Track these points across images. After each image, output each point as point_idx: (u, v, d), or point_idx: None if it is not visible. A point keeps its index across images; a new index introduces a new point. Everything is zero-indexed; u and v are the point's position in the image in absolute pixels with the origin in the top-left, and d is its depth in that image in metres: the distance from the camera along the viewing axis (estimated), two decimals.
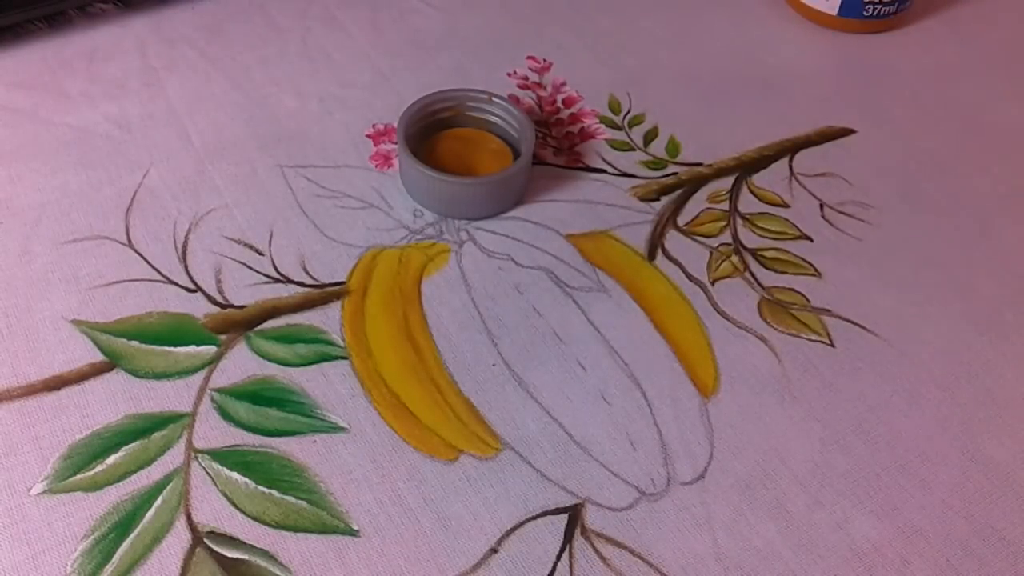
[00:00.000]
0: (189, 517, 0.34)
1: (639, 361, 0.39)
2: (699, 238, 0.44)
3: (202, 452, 0.36)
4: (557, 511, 0.35)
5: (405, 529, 0.34)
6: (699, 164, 0.48)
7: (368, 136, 0.48)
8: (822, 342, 0.41)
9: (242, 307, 0.40)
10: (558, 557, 0.34)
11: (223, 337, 0.39)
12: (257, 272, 0.42)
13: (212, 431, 0.36)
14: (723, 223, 0.45)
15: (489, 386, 0.38)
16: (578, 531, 0.34)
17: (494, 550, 0.34)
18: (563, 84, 0.51)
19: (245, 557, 0.33)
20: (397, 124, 0.45)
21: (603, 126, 0.49)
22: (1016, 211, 0.47)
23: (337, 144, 0.47)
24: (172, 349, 0.39)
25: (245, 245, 0.43)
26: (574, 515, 0.35)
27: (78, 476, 0.35)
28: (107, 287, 0.40)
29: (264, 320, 0.40)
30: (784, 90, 0.52)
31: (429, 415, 0.37)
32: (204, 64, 0.51)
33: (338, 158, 0.47)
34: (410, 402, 0.38)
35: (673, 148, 0.48)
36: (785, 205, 0.46)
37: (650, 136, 0.49)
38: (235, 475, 0.35)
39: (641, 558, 0.34)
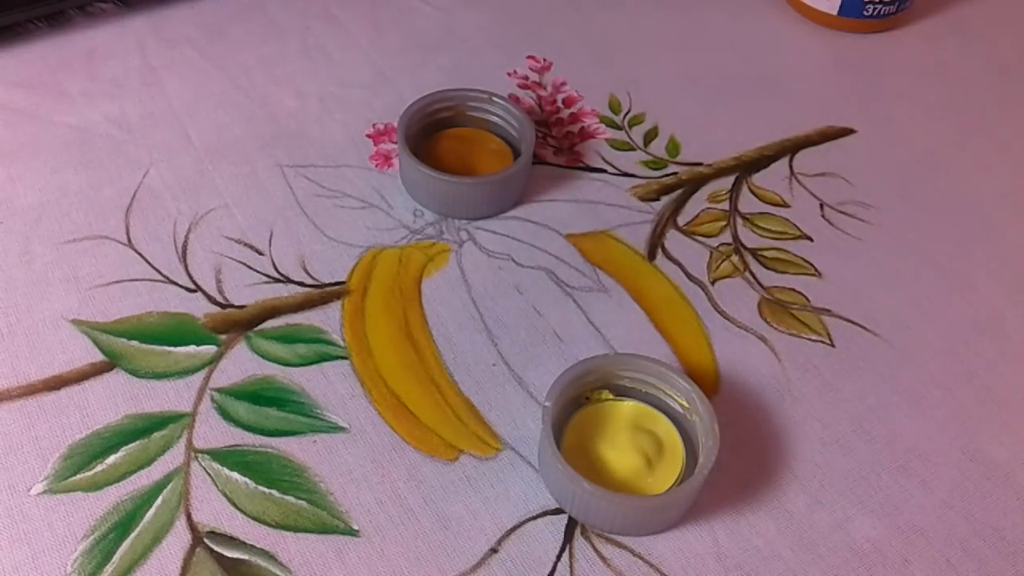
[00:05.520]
0: (189, 517, 0.34)
1: None
2: (699, 238, 0.44)
3: (202, 452, 0.36)
4: (557, 511, 0.35)
5: (405, 529, 0.34)
6: (699, 164, 0.48)
7: (368, 136, 0.48)
8: (822, 342, 0.41)
9: (242, 307, 0.40)
10: (558, 557, 0.34)
11: (223, 337, 0.39)
12: (257, 272, 0.42)
13: (212, 431, 0.36)
14: (723, 223, 0.45)
15: (489, 386, 0.38)
16: (578, 531, 0.34)
17: (494, 550, 0.34)
18: (563, 84, 0.51)
19: (245, 557, 0.33)
20: (397, 124, 0.45)
21: (603, 126, 0.49)
22: (1016, 211, 0.47)
23: (337, 144, 0.47)
24: (172, 349, 0.39)
25: (245, 245, 0.43)
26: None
27: (78, 476, 0.35)
28: (107, 287, 0.40)
29: (264, 320, 0.40)
30: (784, 90, 0.52)
31: (429, 415, 0.37)
32: (204, 64, 0.51)
33: (338, 158, 0.47)
34: (410, 402, 0.38)
35: (673, 148, 0.48)
36: (785, 205, 0.46)
37: (650, 136, 0.49)
38: (235, 475, 0.35)
39: (641, 558, 0.34)
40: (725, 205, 0.46)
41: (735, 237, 0.44)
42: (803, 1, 0.56)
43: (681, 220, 0.45)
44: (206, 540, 0.33)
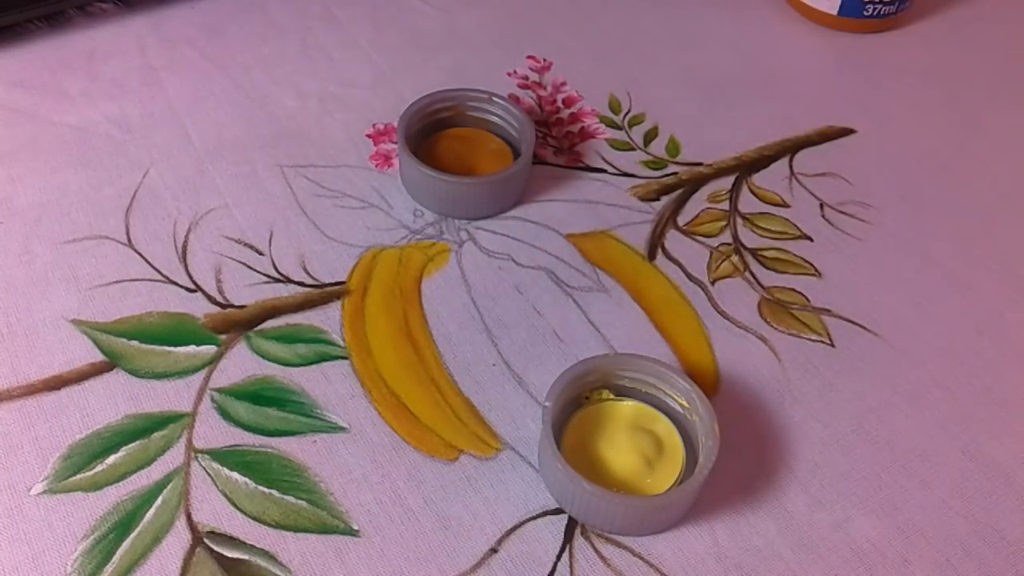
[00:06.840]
0: (189, 517, 0.34)
1: None
2: (699, 238, 0.44)
3: (202, 452, 0.36)
4: (557, 511, 0.35)
5: (405, 529, 0.34)
6: (699, 164, 0.48)
7: (368, 136, 0.48)
8: (822, 342, 0.41)
9: (242, 307, 0.40)
10: (558, 557, 0.34)
11: (223, 337, 0.39)
12: (257, 272, 0.42)
13: (212, 431, 0.36)
14: (723, 223, 0.45)
15: (489, 386, 0.38)
16: (578, 531, 0.34)
17: (494, 550, 0.34)
18: (563, 84, 0.51)
19: (245, 557, 0.33)
20: (397, 124, 0.45)
21: (603, 126, 0.49)
22: (1016, 211, 0.47)
23: (337, 144, 0.47)
24: (172, 349, 0.39)
25: (245, 245, 0.43)
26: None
27: (78, 476, 0.35)
28: (107, 287, 0.40)
29: (264, 320, 0.40)
30: (784, 90, 0.52)
31: (429, 415, 0.37)
32: (204, 64, 0.51)
33: (338, 158, 0.47)
34: (410, 402, 0.38)
35: (673, 148, 0.48)
36: (785, 205, 0.46)
37: (650, 136, 0.49)
38: (235, 475, 0.35)
39: (641, 558, 0.34)
40: (725, 205, 0.46)
41: (735, 237, 0.44)
42: (803, 1, 0.56)
43: (681, 220, 0.45)
44: (206, 540, 0.33)
